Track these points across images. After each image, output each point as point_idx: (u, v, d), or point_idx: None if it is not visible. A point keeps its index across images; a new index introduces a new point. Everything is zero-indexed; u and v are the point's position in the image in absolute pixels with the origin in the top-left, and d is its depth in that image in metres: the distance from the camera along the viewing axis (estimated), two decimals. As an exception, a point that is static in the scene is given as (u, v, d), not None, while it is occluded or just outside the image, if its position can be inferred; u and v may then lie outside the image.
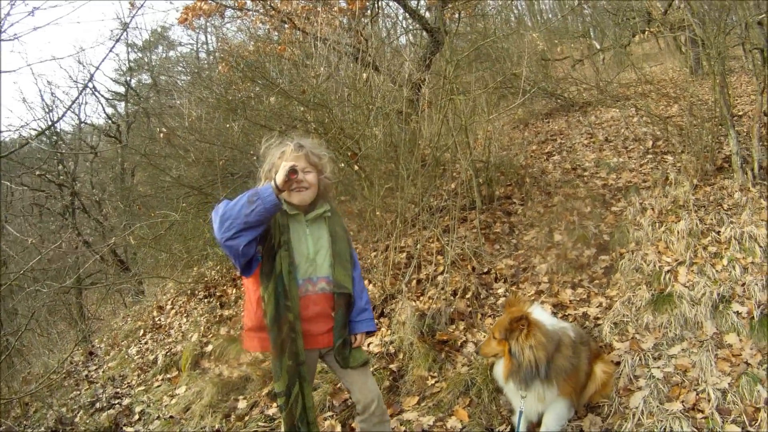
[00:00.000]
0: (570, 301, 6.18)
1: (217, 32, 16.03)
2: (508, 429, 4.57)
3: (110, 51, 13.21)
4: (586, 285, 6.42)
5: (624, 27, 14.87)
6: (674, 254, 6.24)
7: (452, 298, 6.41)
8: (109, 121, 19.88)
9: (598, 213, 7.70)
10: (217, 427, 5.83)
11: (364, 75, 8.11)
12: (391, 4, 10.99)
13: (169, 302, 9.99)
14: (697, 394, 4.39)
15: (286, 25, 9.24)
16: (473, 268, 6.94)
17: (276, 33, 10.20)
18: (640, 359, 4.94)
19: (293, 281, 3.44)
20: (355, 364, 3.76)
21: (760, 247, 5.85)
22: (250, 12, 10.71)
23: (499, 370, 4.12)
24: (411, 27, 11.04)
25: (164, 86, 20.23)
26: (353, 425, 4.86)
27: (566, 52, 16.47)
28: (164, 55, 25.30)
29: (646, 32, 14.27)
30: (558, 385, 4.00)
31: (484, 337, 5.62)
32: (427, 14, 10.40)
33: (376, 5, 10.51)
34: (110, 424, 6.61)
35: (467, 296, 6.46)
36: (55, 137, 17.08)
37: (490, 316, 6.15)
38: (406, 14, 9.93)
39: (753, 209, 6.45)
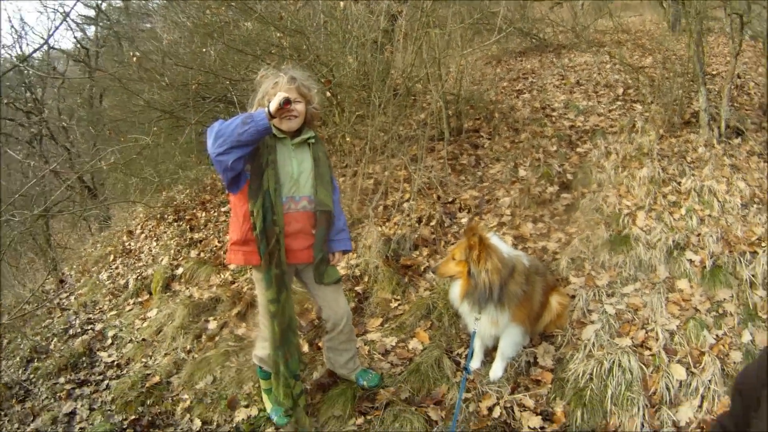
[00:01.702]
0: (530, 234, 6.34)
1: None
2: (466, 351, 4.74)
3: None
4: (546, 220, 6.59)
5: None
6: (634, 199, 6.43)
7: (417, 224, 6.59)
8: (78, 46, 19.06)
9: (564, 153, 7.85)
10: (188, 347, 5.97)
11: (342, 3, 8.14)
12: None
13: (139, 227, 10.02)
14: (646, 333, 4.61)
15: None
16: (438, 197, 7.08)
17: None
18: (594, 295, 5.15)
19: (278, 198, 3.69)
20: (329, 280, 4.03)
21: (719, 201, 6.08)
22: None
23: (456, 291, 4.29)
24: None
25: (135, 9, 19.66)
26: (320, 344, 5.02)
27: None
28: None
29: None
30: (510, 310, 4.18)
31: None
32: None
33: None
34: (84, 349, 6.64)
35: (432, 224, 6.62)
36: (23, 63, 16.57)
37: (452, 243, 6.25)
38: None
39: (715, 165, 6.67)
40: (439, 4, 8.68)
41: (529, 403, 4.24)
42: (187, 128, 8.67)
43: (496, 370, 4.48)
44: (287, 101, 3.47)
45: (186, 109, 8.76)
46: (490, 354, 4.64)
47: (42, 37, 17.88)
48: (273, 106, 3.43)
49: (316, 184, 3.91)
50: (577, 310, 5.02)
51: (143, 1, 19.35)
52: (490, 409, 4.22)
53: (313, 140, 3.97)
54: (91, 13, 20.25)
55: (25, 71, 16.40)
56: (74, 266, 10.29)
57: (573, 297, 5.17)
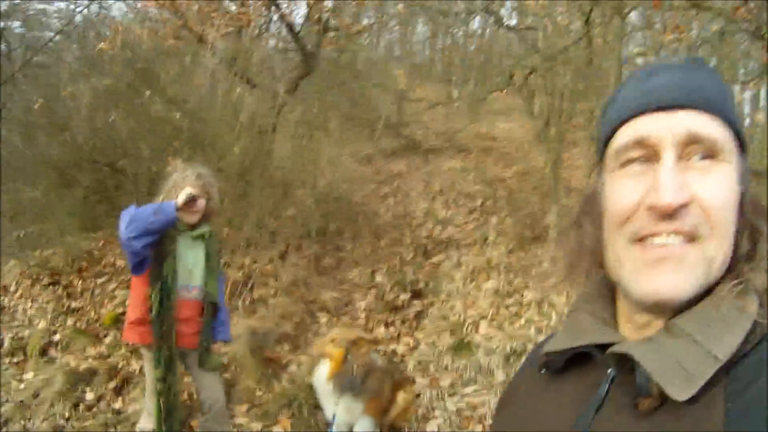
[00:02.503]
0: (382, 337, 7.28)
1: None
2: None
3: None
4: (398, 325, 7.58)
5: (483, 84, 15.84)
6: (479, 309, 7.45)
7: (281, 320, 7.44)
8: None
9: (419, 262, 8.87)
10: (67, 415, 6.44)
11: (238, 89, 9.06)
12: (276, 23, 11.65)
13: (14, 283, 9.97)
14: (484, 428, 5.53)
15: (178, 21, 9.88)
16: (302, 296, 7.99)
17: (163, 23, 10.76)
18: (437, 394, 6.09)
19: (174, 286, 4.45)
20: (210, 366, 4.83)
21: (557, 313, 7.13)
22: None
23: (323, 371, 5.13)
24: (289, 47, 11.57)
25: (32, 41, 19.48)
26: (193, 424, 5.82)
27: (424, 93, 17.41)
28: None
29: (504, 91, 15.42)
30: (364, 403, 5.09)
31: (306, 359, 6.77)
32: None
33: (265, 24, 11.27)
34: None
35: (294, 320, 7.52)
36: None
37: (312, 341, 7.09)
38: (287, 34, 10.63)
39: (558, 279, 7.85)
40: (324, 100, 9.70)
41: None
42: (77, 190, 9.21)
43: (351, 455, 5.34)
44: (193, 198, 4.30)
45: (78, 169, 9.37)
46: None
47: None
48: (180, 200, 4.19)
49: (207, 277, 4.68)
50: (422, 406, 5.94)
51: (42, 33, 19.16)
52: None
53: (208, 235, 4.73)
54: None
55: None
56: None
57: (418, 395, 6.07)
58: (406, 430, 5.73)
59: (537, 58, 10.20)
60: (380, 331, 7.46)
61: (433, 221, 10.39)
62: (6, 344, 8.14)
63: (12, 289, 9.79)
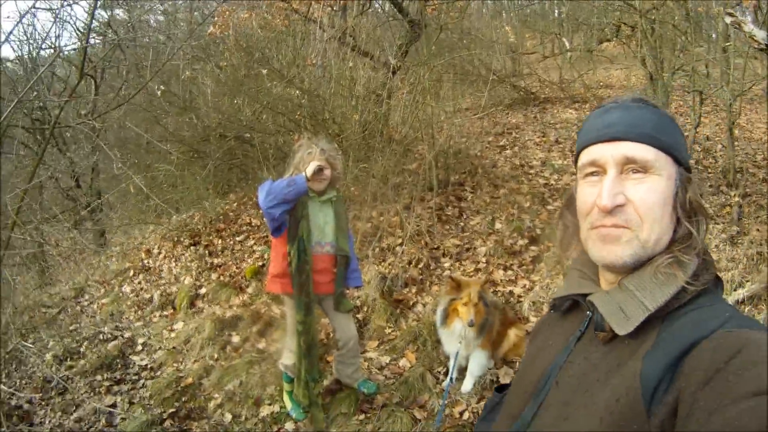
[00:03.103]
0: (501, 280, 7.79)
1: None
2: (444, 369, 6.30)
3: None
4: (515, 269, 8.02)
5: (592, 34, 15.85)
6: None
7: (408, 266, 8.10)
8: (84, 57, 18.31)
9: (536, 209, 9.24)
10: (215, 356, 7.23)
11: (350, 63, 9.63)
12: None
13: (156, 247, 10.88)
14: None
15: (283, 3, 10.48)
16: (426, 243, 8.56)
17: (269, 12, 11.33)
18: None
19: (309, 243, 5.14)
20: (344, 309, 5.56)
21: None
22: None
23: (458, 325, 5.63)
24: (393, 18, 12.07)
25: (136, 25, 19.82)
26: (328, 359, 6.52)
27: (535, 47, 17.53)
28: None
29: (613, 42, 15.46)
30: (480, 338, 5.70)
31: (431, 300, 7.46)
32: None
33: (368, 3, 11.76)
34: (117, 353, 7.65)
35: (420, 266, 8.14)
36: (31, 66, 15.21)
37: (437, 284, 7.82)
38: (391, 5, 10.91)
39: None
40: (435, 58, 10.05)
41: (491, 409, 5.77)
42: (209, 163, 10.05)
43: (467, 385, 5.93)
44: (321, 169, 4.99)
45: (206, 143, 10.20)
46: (462, 373, 6.07)
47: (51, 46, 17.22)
48: (309, 172, 4.87)
49: (337, 234, 5.35)
50: (533, 342, 6.54)
51: (146, 16, 19.76)
52: (461, 413, 5.70)
53: (335, 198, 5.34)
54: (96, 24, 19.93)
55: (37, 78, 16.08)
56: (90, 277, 10.92)
57: (528, 332, 6.46)
58: (518, 363, 6.22)
59: (634, 14, 10.35)
60: (499, 273, 7.92)
61: (549, 170, 10.75)
62: (155, 300, 9.00)
63: (155, 251, 10.72)
